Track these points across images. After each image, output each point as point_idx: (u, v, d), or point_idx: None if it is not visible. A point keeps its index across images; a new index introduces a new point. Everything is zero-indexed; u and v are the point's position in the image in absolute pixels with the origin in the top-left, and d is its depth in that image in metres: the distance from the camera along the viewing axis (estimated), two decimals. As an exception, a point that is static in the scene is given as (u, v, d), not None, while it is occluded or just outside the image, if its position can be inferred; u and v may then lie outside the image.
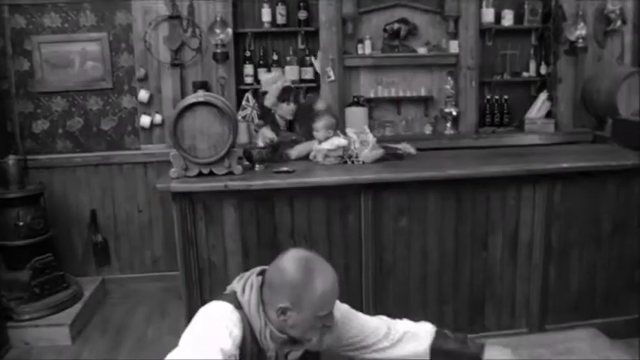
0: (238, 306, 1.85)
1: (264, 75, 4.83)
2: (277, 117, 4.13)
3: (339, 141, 3.81)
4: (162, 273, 5.21)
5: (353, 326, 2.13)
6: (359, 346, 2.15)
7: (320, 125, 3.82)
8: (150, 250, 5.25)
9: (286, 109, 4.08)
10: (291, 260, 1.88)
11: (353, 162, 3.78)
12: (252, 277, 1.93)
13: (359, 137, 3.83)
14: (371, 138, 3.84)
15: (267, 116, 4.15)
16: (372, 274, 3.62)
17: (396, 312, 3.55)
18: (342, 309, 2.12)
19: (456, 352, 2.11)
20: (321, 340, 1.93)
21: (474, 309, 3.76)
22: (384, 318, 2.23)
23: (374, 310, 3.58)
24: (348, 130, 3.90)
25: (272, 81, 4.17)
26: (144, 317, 4.65)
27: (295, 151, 4.02)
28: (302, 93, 5.05)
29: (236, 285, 1.93)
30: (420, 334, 2.18)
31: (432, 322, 3.64)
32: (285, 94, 4.06)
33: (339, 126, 4.00)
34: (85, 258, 5.16)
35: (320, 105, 4.31)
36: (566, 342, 2.41)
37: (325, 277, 1.86)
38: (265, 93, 4.13)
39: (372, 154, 3.79)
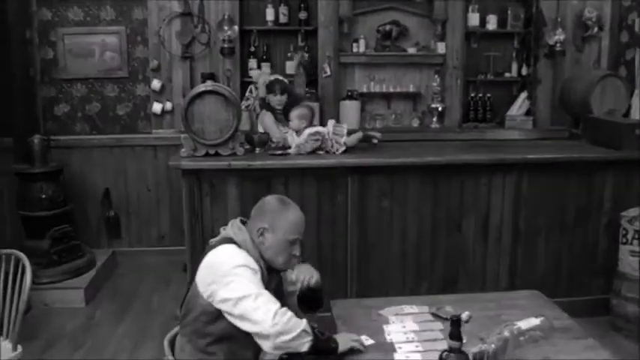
0: (238, 246, 2.26)
1: (253, 72, 5.31)
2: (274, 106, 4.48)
3: (316, 128, 4.07)
4: (167, 248, 5.50)
5: None
6: None
7: (294, 114, 4.08)
8: (157, 226, 5.57)
9: (274, 100, 4.41)
10: (270, 197, 2.38)
11: (336, 152, 4.02)
12: (236, 222, 2.34)
13: (334, 129, 4.06)
14: (345, 130, 4.08)
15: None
16: (357, 249, 3.96)
17: (377, 284, 3.94)
18: None
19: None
20: (289, 263, 2.34)
21: (448, 284, 4.05)
22: None
23: (357, 282, 3.99)
24: (329, 122, 4.15)
25: (256, 77, 4.77)
26: (150, 286, 4.99)
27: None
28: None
29: (226, 232, 2.32)
30: None
31: (410, 294, 3.99)
32: (271, 87, 4.42)
33: (314, 117, 4.36)
34: (98, 231, 5.47)
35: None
36: (512, 299, 2.79)
37: (296, 209, 2.32)
38: (256, 87, 4.67)
39: (352, 138, 4.08)
